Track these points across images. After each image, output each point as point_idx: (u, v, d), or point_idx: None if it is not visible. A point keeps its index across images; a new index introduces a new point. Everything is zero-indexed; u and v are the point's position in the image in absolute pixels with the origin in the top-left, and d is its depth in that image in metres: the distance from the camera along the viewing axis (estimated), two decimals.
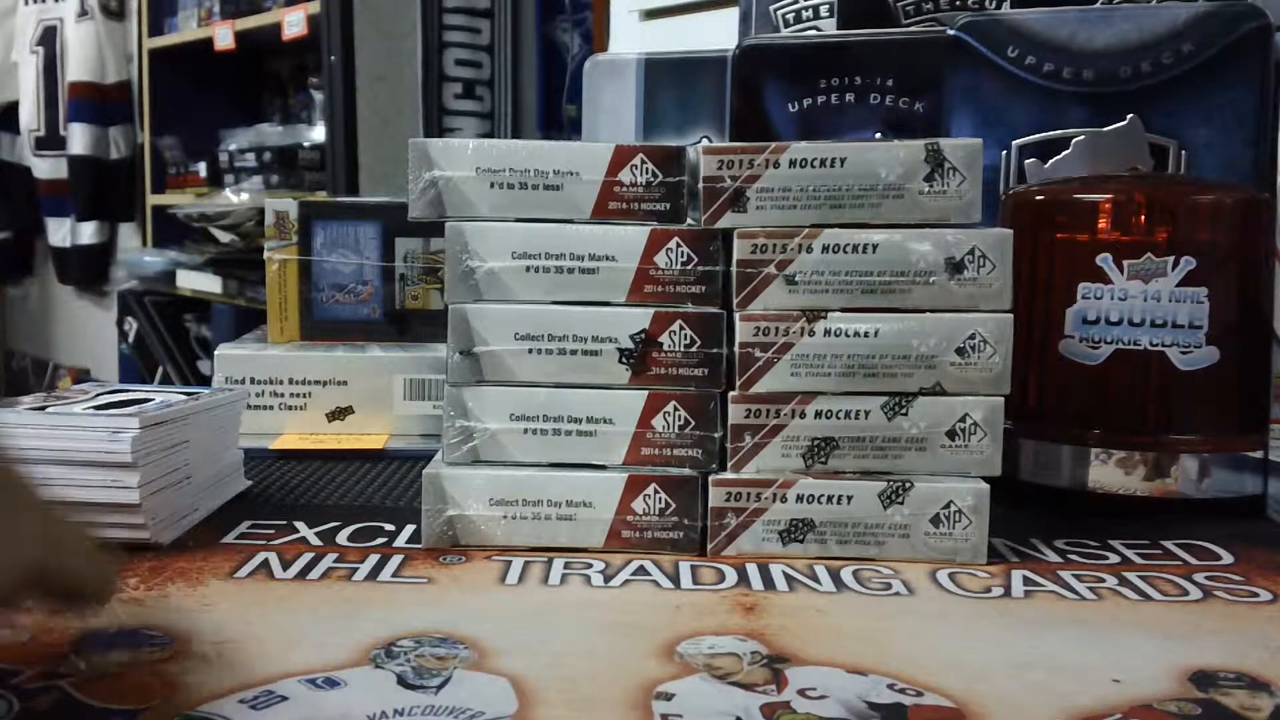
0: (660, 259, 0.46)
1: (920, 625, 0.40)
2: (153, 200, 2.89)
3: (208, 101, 2.83)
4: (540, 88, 1.91)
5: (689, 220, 0.47)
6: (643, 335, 0.46)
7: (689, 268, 0.46)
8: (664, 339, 0.46)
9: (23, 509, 0.34)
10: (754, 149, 0.46)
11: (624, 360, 0.47)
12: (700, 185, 0.46)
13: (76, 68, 3.03)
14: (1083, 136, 0.61)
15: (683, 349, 0.46)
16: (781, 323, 0.46)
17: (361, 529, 0.50)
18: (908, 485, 0.46)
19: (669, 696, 0.33)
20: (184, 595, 0.41)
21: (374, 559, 0.46)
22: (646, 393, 0.47)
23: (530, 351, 0.47)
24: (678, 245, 0.46)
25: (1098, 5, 0.66)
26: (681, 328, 0.46)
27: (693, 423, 0.46)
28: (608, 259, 0.46)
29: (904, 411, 0.46)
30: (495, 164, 0.47)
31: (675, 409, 0.46)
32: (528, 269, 0.47)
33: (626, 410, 0.47)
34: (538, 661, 0.35)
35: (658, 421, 0.47)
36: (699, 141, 0.72)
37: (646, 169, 0.46)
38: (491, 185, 0.47)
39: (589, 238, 0.46)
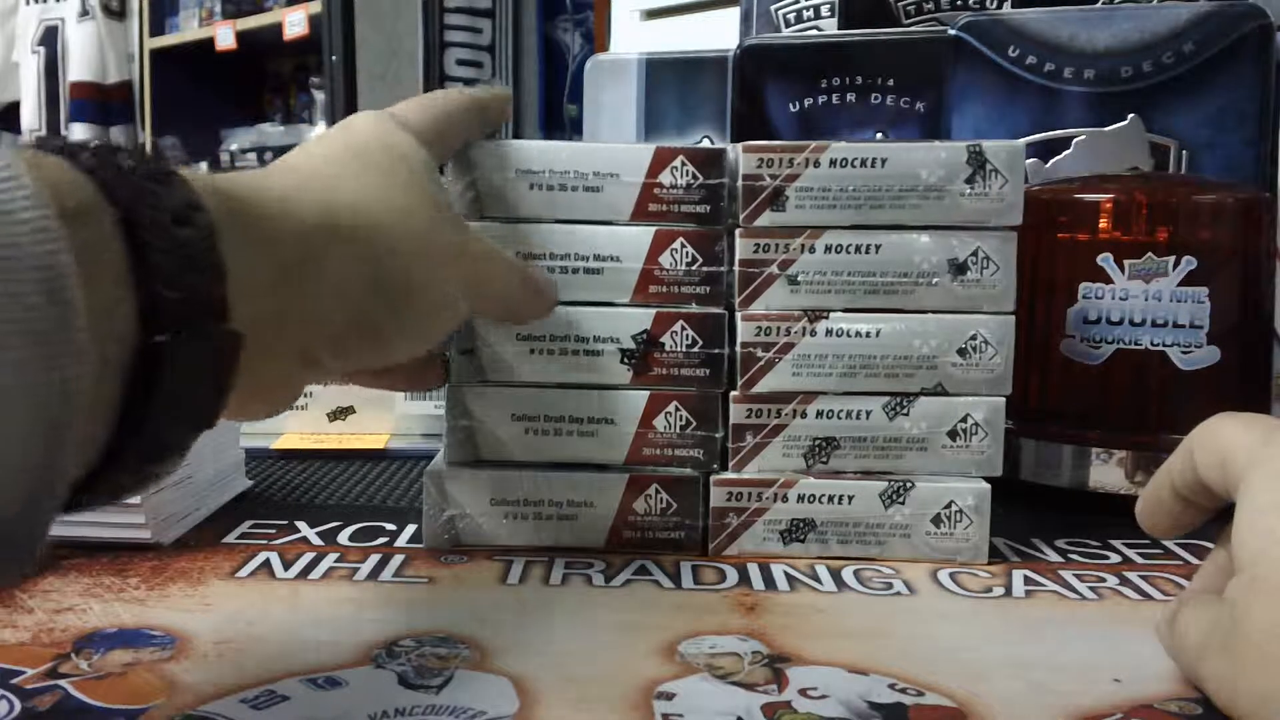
0: (665, 259, 0.46)
1: (921, 625, 0.40)
2: None
3: (209, 101, 2.84)
4: (541, 87, 1.91)
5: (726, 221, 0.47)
6: (644, 335, 0.46)
7: (693, 268, 0.46)
8: (666, 339, 0.46)
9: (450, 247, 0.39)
10: (794, 148, 0.46)
11: (626, 360, 0.46)
12: (740, 184, 0.46)
13: (78, 68, 3.03)
14: (1083, 136, 0.62)
15: (684, 349, 0.46)
16: (783, 322, 0.46)
17: (363, 529, 0.50)
18: (909, 485, 0.46)
19: (670, 696, 0.33)
20: (185, 595, 0.41)
21: (375, 559, 0.46)
22: (648, 393, 0.47)
23: (532, 351, 0.47)
24: (682, 246, 0.46)
25: (1099, 5, 0.66)
26: (683, 328, 0.46)
27: (694, 423, 0.46)
28: (613, 259, 0.46)
29: (905, 412, 0.46)
30: (535, 165, 0.46)
31: (677, 409, 0.46)
32: None
33: (628, 410, 0.47)
34: (538, 661, 0.35)
35: (659, 422, 0.47)
36: (699, 141, 0.72)
37: (687, 171, 0.46)
38: (531, 187, 0.46)
39: (594, 238, 0.46)
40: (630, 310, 0.46)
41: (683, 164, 0.46)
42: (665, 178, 0.46)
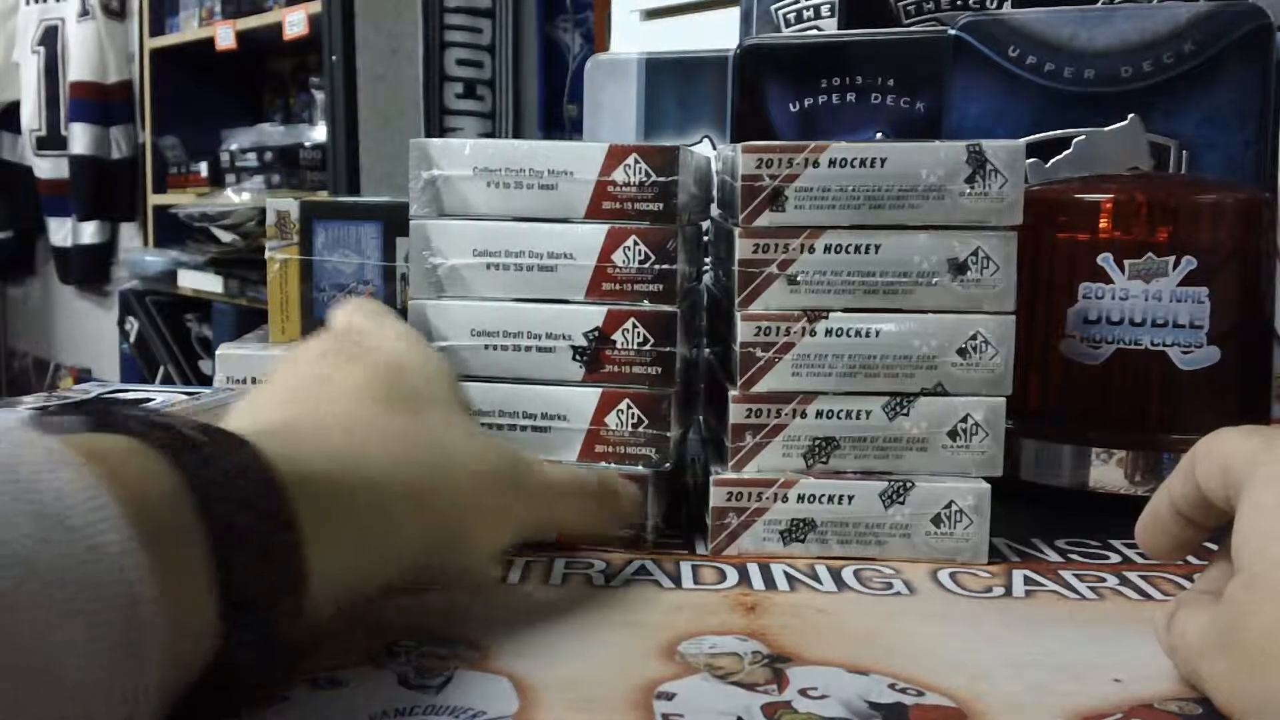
0: (618, 257, 0.46)
1: (921, 625, 0.40)
2: (154, 200, 2.89)
3: (209, 101, 2.84)
4: (541, 87, 1.91)
5: (729, 222, 0.47)
6: (596, 333, 0.46)
7: (646, 266, 0.46)
8: (617, 337, 0.46)
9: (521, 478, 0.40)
10: (794, 148, 0.46)
11: (578, 358, 0.47)
12: (739, 184, 0.46)
13: (78, 67, 3.03)
14: (1083, 136, 0.62)
15: (636, 347, 0.46)
16: (783, 322, 0.46)
17: None
18: (909, 485, 0.46)
19: (670, 696, 0.33)
20: None
21: None
22: (600, 390, 0.47)
23: (486, 348, 0.47)
24: (635, 244, 0.46)
25: (1098, 5, 0.66)
26: (635, 326, 0.46)
27: (646, 421, 0.46)
28: (566, 257, 0.46)
29: (905, 412, 0.46)
30: (492, 163, 0.47)
31: (629, 407, 0.46)
32: (488, 266, 0.47)
33: (580, 407, 0.47)
34: (538, 661, 0.35)
35: (611, 419, 0.47)
36: (699, 141, 0.73)
37: (640, 169, 0.46)
38: (489, 184, 0.47)
39: (548, 235, 0.46)
40: (583, 308, 0.46)
41: (636, 162, 0.46)
42: (618, 175, 0.46)
